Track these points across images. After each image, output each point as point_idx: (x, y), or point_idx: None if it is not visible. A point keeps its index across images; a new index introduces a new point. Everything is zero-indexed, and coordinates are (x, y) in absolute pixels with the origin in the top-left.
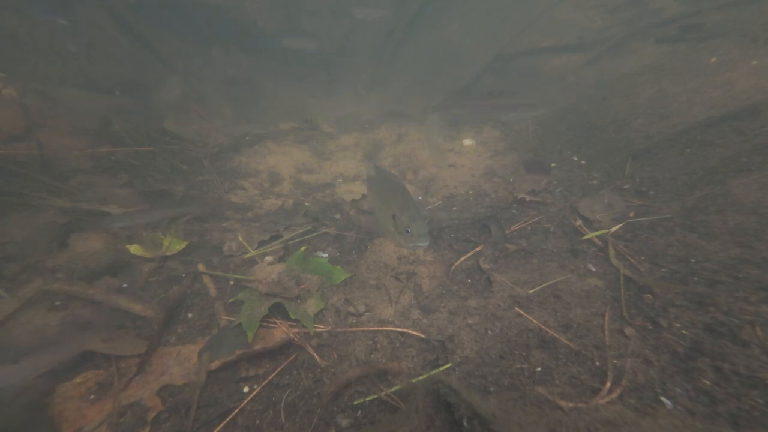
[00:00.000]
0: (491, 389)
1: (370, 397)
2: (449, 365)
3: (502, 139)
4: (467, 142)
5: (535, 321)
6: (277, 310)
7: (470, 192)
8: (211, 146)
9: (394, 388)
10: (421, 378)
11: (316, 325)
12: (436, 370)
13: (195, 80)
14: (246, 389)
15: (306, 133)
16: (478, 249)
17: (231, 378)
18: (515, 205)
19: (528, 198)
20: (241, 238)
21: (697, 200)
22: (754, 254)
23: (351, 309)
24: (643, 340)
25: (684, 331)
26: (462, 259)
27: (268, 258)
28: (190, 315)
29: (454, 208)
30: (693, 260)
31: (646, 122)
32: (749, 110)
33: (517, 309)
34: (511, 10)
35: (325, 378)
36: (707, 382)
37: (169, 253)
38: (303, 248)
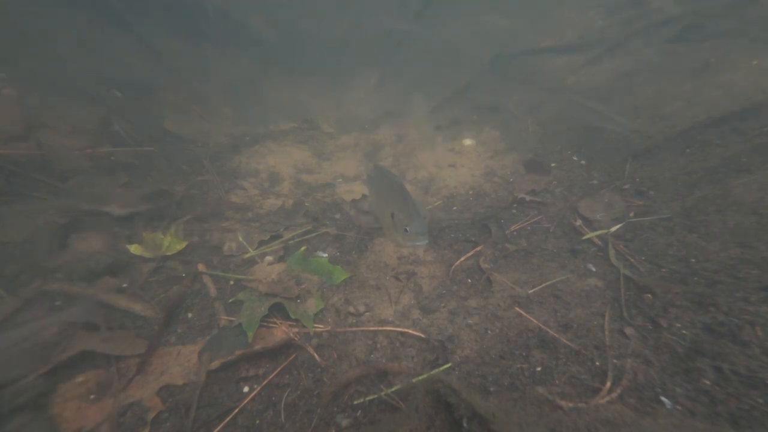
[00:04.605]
0: (491, 389)
1: (370, 397)
2: (449, 365)
3: (502, 139)
4: (467, 142)
5: (535, 321)
6: (277, 310)
7: (470, 192)
8: (211, 146)
9: (394, 388)
10: (421, 378)
11: (316, 325)
12: (436, 370)
13: (195, 80)
14: (246, 389)
15: (306, 133)
16: (478, 249)
17: (231, 378)
18: (515, 205)
19: (528, 198)
20: (241, 238)
21: (697, 200)
22: (754, 254)
23: (351, 309)
24: (643, 340)
25: (684, 331)
26: (462, 259)
27: (268, 258)
28: (190, 315)
29: (454, 208)
30: (693, 260)
31: (646, 122)
32: (749, 110)
33: (517, 309)
34: (511, 10)
35: (325, 378)
36: (707, 382)
37: (169, 253)
38: (303, 248)
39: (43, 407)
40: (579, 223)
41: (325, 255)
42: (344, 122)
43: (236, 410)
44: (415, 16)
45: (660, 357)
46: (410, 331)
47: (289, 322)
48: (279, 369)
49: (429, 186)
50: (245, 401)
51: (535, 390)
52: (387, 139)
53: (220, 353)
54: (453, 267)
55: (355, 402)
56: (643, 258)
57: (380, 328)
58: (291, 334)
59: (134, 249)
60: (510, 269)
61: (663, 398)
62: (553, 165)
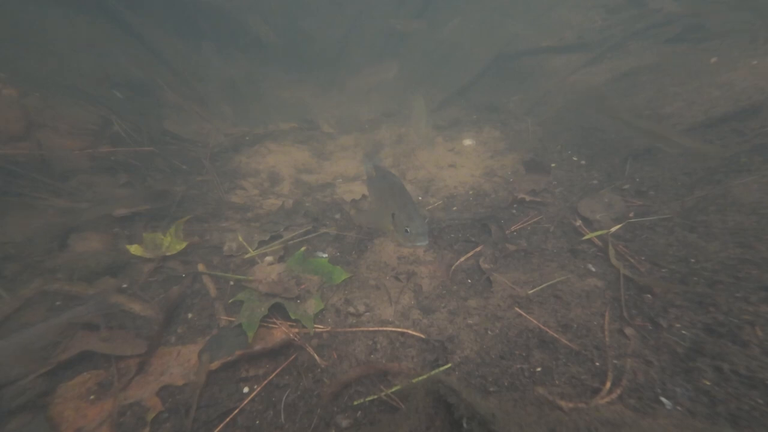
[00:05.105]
0: (491, 389)
1: (370, 398)
2: (449, 365)
3: (502, 139)
4: (467, 142)
5: (535, 321)
6: (277, 311)
7: (470, 192)
8: (211, 146)
9: (394, 388)
10: (421, 378)
11: (316, 326)
12: (436, 371)
13: (195, 80)
14: (246, 389)
15: (306, 133)
16: (478, 249)
17: (231, 378)
18: (515, 205)
19: (528, 198)
20: (241, 238)
21: (697, 200)
22: (754, 254)
23: (351, 309)
24: (643, 341)
25: (684, 331)
26: (462, 259)
27: (268, 258)
28: (190, 315)
29: (454, 208)
30: (693, 260)
31: (646, 122)
32: (749, 110)
33: (517, 309)
34: (511, 10)
35: (325, 378)
36: (707, 382)
37: (169, 253)
38: (303, 248)
39: (43, 407)
40: (579, 223)
41: (325, 255)
42: (344, 122)
43: (236, 410)
44: (415, 16)
45: (660, 357)
46: (410, 332)
47: (289, 323)
48: (279, 369)
49: (429, 186)
50: (245, 401)
51: (535, 390)
52: (387, 139)
53: (220, 353)
54: (453, 267)
55: (355, 402)
56: (643, 258)
57: (380, 329)
58: (291, 335)
59: (134, 249)
60: (510, 269)
61: (663, 398)
62: (553, 165)
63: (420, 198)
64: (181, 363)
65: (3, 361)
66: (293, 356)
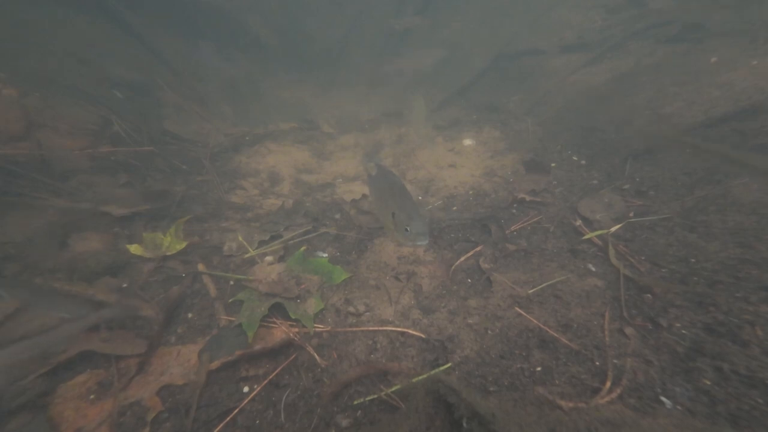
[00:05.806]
0: (491, 389)
1: (370, 397)
2: (449, 365)
3: (502, 139)
4: (467, 142)
5: (535, 321)
6: (277, 310)
7: (470, 192)
8: (211, 146)
9: (394, 388)
10: (421, 378)
11: (316, 325)
12: (436, 370)
13: (195, 80)
14: (246, 389)
15: (306, 133)
16: (478, 249)
17: (231, 378)
18: (515, 205)
19: (528, 198)
20: (241, 238)
21: (697, 200)
22: (754, 254)
23: (351, 309)
24: (643, 340)
25: (684, 331)
26: (462, 259)
27: (268, 258)
28: (190, 315)
29: (454, 208)
30: (693, 260)
31: (646, 122)
32: (749, 110)
33: (517, 309)
34: (511, 10)
35: (325, 378)
36: (707, 382)
37: (169, 253)
38: (303, 248)
39: (43, 407)
40: (579, 223)
41: (325, 255)
42: (344, 122)
43: (236, 410)
44: (415, 16)
45: (660, 357)
46: (410, 331)
47: (289, 322)
48: (279, 369)
49: (429, 186)
50: (245, 401)
51: (535, 390)
52: (387, 139)
53: (220, 353)
54: (453, 267)
55: (355, 402)
56: (643, 258)
57: (380, 328)
58: (291, 334)
59: (134, 249)
60: (510, 269)
61: (663, 398)
62: (553, 165)
63: (420, 198)
64: (181, 363)
65: (21, 364)
66: (293, 356)
